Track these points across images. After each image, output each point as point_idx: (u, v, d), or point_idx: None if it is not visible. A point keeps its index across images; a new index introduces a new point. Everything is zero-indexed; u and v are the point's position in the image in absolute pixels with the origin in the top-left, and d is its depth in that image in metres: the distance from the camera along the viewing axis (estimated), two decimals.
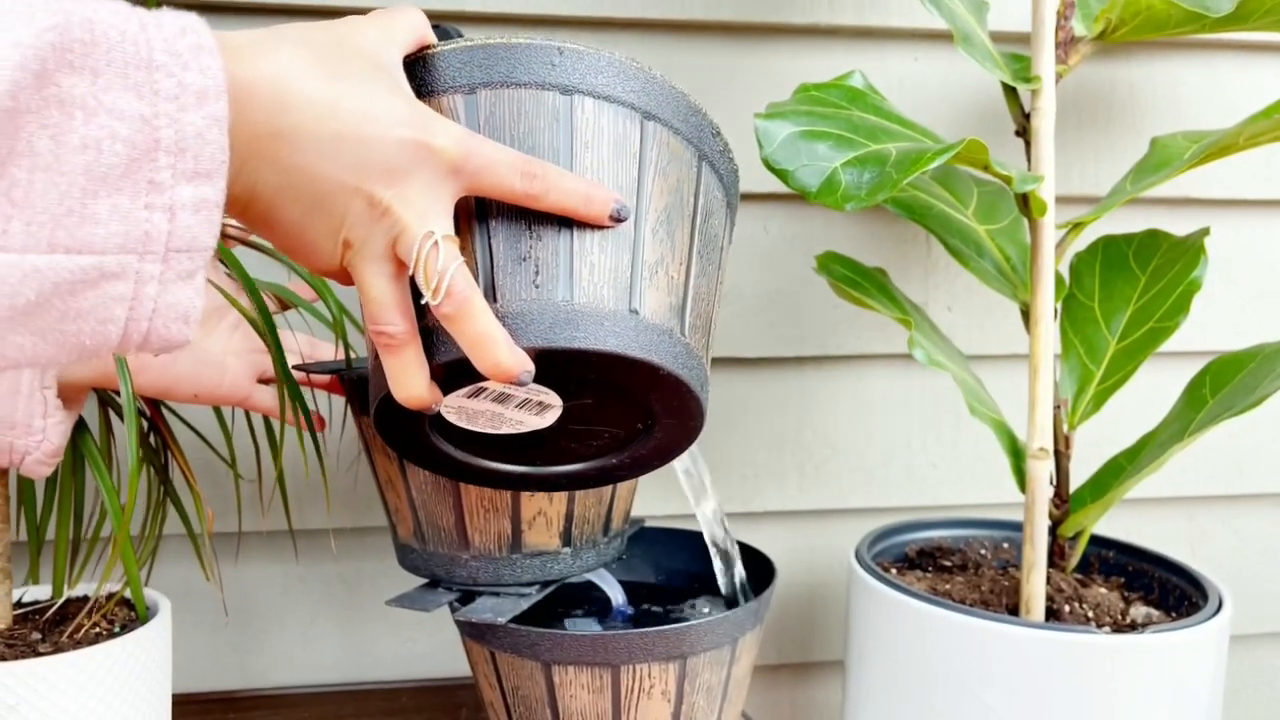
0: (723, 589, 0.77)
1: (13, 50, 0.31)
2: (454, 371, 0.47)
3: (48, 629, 0.67)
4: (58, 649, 0.64)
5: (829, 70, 0.82)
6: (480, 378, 0.48)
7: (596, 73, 0.50)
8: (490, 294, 0.47)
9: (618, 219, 0.48)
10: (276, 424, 0.74)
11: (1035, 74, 0.74)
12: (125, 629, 0.67)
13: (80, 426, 0.68)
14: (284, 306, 0.76)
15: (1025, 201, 0.74)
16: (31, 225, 0.33)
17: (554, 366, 0.47)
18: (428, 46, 0.49)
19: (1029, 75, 0.75)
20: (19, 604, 0.71)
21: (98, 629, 0.67)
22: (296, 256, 0.45)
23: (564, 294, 0.47)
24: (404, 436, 0.54)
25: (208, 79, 0.36)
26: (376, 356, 0.50)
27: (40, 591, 0.73)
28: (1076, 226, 0.79)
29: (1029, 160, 0.76)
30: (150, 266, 0.36)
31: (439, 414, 0.52)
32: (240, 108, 0.39)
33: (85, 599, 0.72)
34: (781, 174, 0.65)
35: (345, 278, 0.46)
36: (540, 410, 0.52)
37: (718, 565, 0.76)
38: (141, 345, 0.37)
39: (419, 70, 0.49)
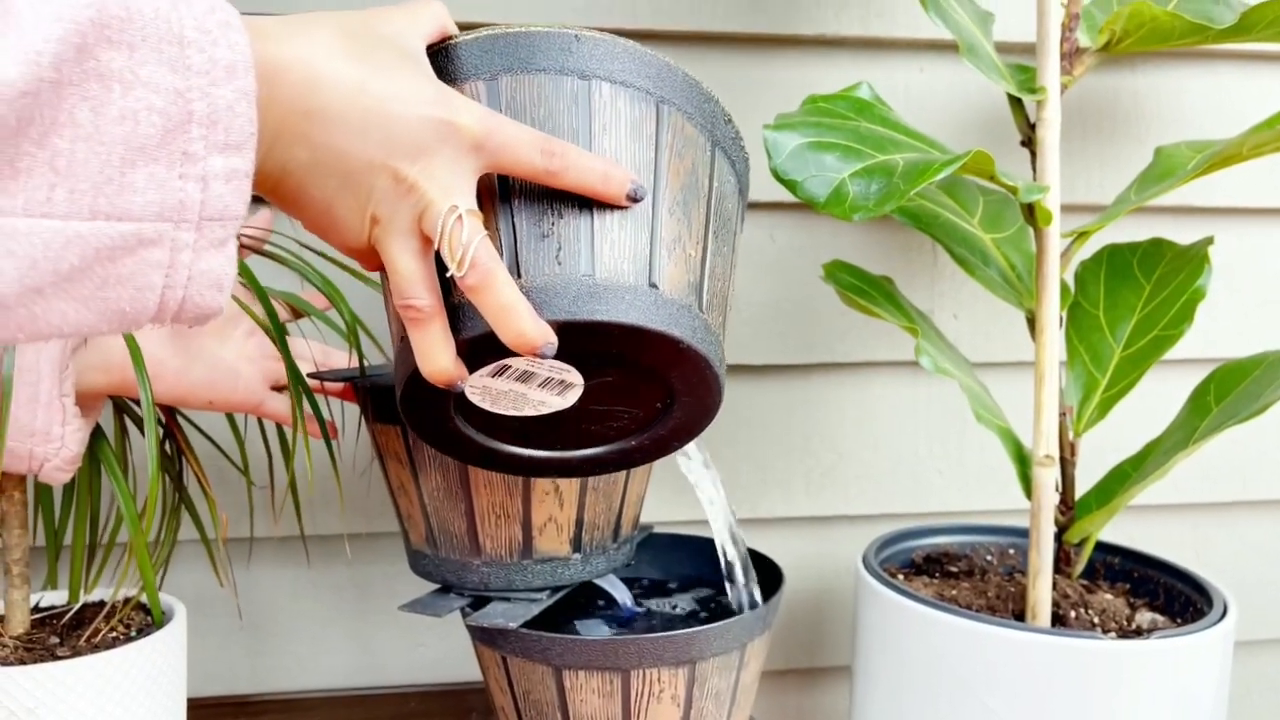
0: (731, 594, 0.78)
1: (55, 24, 0.32)
2: (479, 347, 0.48)
3: (65, 633, 0.68)
4: (75, 653, 0.65)
5: (836, 81, 0.83)
6: (504, 354, 0.49)
7: (613, 59, 0.52)
8: (514, 270, 0.48)
9: (634, 198, 0.50)
10: (289, 430, 0.75)
11: (1040, 85, 0.75)
12: (141, 633, 0.68)
13: (97, 434, 0.69)
14: (297, 315, 0.76)
15: (1031, 211, 0.75)
16: (74, 193, 0.34)
17: (576, 341, 0.48)
18: (449, 37, 0.51)
19: (1034, 86, 0.75)
20: (37, 608, 0.72)
21: (114, 633, 0.68)
22: (326, 235, 0.46)
23: (586, 269, 0.49)
24: (429, 420, 0.55)
25: (236, 54, 0.37)
26: (403, 339, 0.51)
27: (58, 596, 0.74)
28: (1081, 235, 0.80)
29: (1034, 170, 0.76)
30: (185, 234, 0.37)
31: (463, 396, 0.53)
32: (271, 87, 0.40)
33: (102, 604, 0.73)
34: (790, 184, 0.66)
35: (372, 257, 0.47)
36: (562, 390, 0.53)
37: (726, 569, 0.77)
38: (177, 314, 0.38)
39: (441, 59, 0.50)
